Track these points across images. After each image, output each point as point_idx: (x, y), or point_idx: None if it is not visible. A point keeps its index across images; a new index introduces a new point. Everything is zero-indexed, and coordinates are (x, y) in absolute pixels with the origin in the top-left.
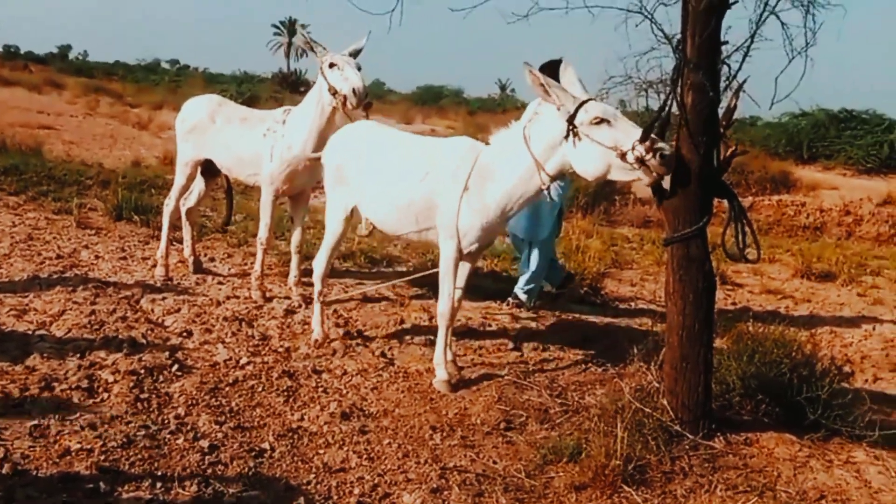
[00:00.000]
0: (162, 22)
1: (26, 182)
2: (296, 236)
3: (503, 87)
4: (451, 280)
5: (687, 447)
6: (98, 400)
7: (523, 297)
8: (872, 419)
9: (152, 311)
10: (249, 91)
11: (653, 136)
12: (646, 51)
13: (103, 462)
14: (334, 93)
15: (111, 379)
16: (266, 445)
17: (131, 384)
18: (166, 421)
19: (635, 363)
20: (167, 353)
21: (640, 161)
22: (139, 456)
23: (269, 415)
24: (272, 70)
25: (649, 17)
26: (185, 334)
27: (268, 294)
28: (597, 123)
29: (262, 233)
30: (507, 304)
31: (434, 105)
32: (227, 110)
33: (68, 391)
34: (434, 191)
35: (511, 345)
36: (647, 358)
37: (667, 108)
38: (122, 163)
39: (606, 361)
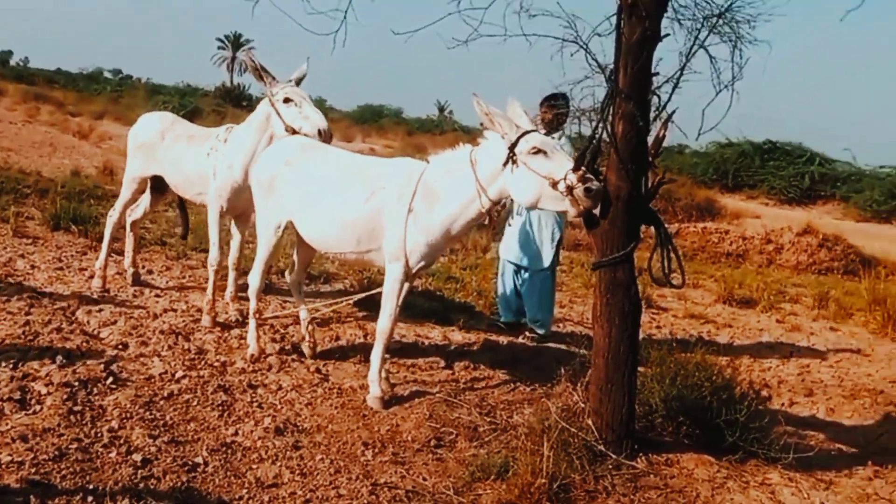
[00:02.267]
0: (105, 31)
1: None
2: (234, 251)
3: (441, 109)
4: (395, 300)
5: (610, 466)
6: (30, 412)
7: (540, 331)
8: (787, 442)
9: (88, 322)
10: (192, 103)
11: (583, 168)
12: (580, 79)
13: (34, 475)
14: (293, 132)
15: (44, 391)
16: (199, 460)
17: (65, 396)
18: (99, 434)
19: (562, 383)
20: (102, 366)
21: (570, 191)
22: (71, 469)
23: (203, 429)
24: (215, 83)
25: (584, 47)
26: (120, 347)
27: (218, 319)
28: (534, 153)
29: (212, 254)
30: (524, 338)
31: (374, 124)
32: (178, 128)
33: (0, 403)
34: (379, 211)
35: (443, 363)
36: (574, 378)
37: (597, 136)
38: (62, 172)
39: (535, 381)
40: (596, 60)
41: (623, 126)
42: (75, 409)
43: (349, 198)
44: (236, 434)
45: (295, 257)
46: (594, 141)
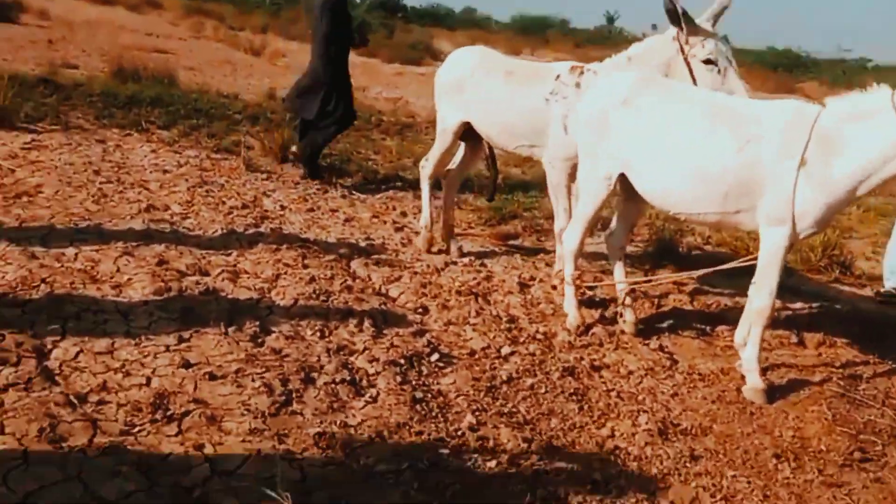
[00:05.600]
0: None
1: (174, 115)
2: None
3: (611, 20)
4: (776, 272)
5: None
6: (368, 398)
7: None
8: None
9: (370, 278)
10: (359, 18)
11: None
12: None
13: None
14: None
15: (371, 370)
16: (597, 476)
17: (397, 378)
18: (460, 432)
19: None
20: (418, 338)
21: None
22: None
23: (570, 427)
24: None
25: None
26: (420, 311)
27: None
28: None
29: (561, 221)
30: (877, 298)
31: (539, 36)
32: (490, 62)
33: (332, 385)
34: (758, 163)
35: (794, 338)
36: None
37: None
38: (253, 93)
39: None
40: None
41: None
42: (417, 395)
43: (714, 146)
44: (613, 436)
45: (616, 217)
46: None
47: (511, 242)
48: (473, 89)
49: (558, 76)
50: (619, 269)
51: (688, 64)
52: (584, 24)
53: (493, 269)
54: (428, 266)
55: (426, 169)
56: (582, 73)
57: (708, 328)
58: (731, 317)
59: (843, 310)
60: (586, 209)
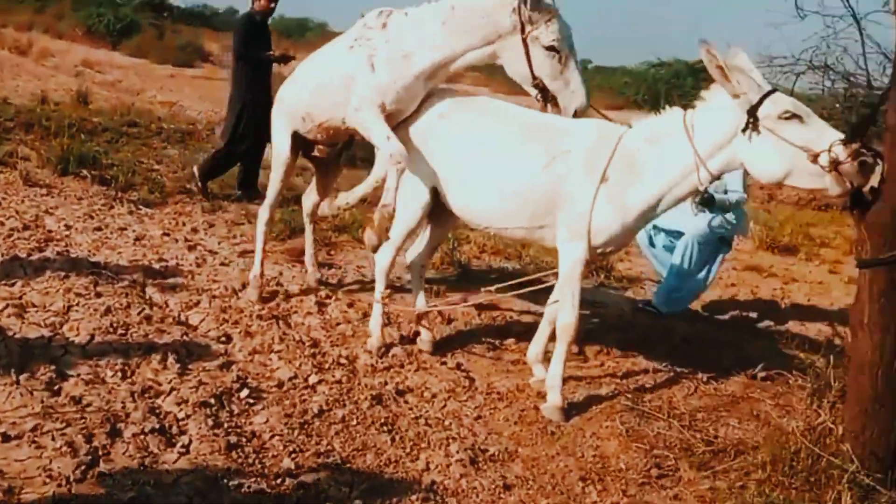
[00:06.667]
0: None
1: None
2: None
3: None
4: (576, 287)
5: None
6: (181, 447)
7: (658, 303)
8: None
9: (167, 305)
10: (128, 17)
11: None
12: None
13: None
14: (542, 88)
15: (181, 414)
16: None
17: (209, 421)
18: (281, 480)
19: (806, 399)
20: (225, 371)
21: (835, 166)
22: None
23: (386, 463)
24: None
25: None
26: (223, 340)
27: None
28: (786, 119)
29: (392, 147)
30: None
31: (299, 38)
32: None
33: (141, 437)
34: (562, 180)
35: (575, 348)
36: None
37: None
38: (24, 96)
39: (696, 371)
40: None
41: None
42: (231, 440)
43: (524, 163)
44: (428, 468)
45: (421, 235)
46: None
47: (303, 258)
48: (289, 85)
49: (362, 19)
50: (418, 288)
51: (525, 46)
52: (342, 26)
53: (290, 289)
54: (226, 288)
55: (265, 212)
56: (390, 14)
57: (497, 342)
58: (515, 329)
59: (613, 315)
60: (402, 225)
